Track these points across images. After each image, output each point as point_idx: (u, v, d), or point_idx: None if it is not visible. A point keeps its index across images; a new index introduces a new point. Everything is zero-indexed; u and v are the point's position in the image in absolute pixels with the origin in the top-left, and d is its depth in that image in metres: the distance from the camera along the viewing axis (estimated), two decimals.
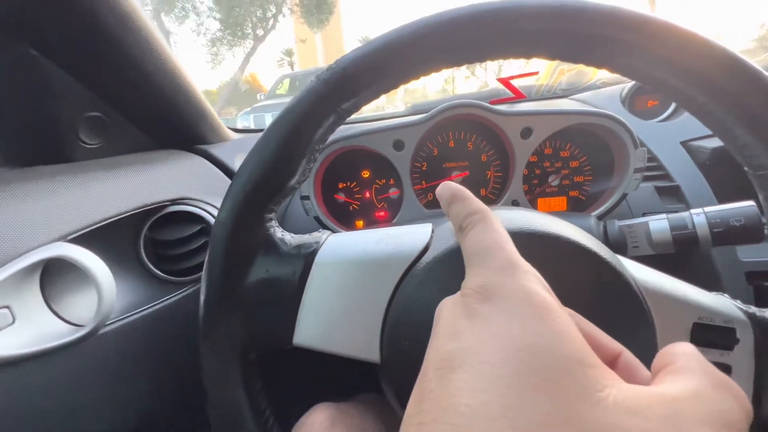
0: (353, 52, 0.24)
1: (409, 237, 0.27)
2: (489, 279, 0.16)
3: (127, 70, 0.39)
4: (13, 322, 0.29)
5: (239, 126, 0.71)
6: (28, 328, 0.30)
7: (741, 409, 0.12)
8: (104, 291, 0.33)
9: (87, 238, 0.35)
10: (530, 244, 0.23)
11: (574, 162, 0.55)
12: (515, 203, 0.53)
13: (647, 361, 0.24)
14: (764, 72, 0.21)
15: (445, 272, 0.24)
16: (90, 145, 0.42)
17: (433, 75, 0.26)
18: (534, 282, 0.16)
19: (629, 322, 0.23)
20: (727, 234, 0.35)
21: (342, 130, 0.53)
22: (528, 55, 0.23)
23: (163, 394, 0.41)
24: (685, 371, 0.14)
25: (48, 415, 0.32)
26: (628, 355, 0.18)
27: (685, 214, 0.38)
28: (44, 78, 0.36)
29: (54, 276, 0.33)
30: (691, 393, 0.12)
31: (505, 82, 0.89)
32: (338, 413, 0.49)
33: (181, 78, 0.46)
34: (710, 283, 0.28)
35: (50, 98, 0.37)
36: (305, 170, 0.27)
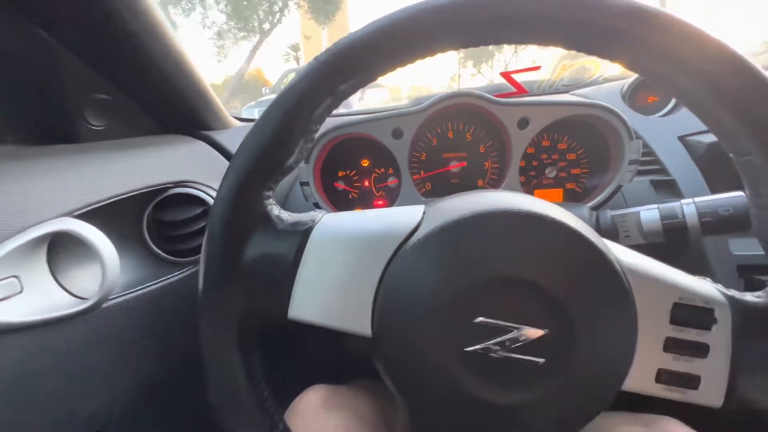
0: (351, 35, 0.25)
1: (401, 216, 0.28)
2: None
3: (133, 53, 0.40)
4: (21, 291, 0.30)
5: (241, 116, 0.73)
6: (35, 298, 0.31)
7: None
8: (108, 266, 0.34)
9: (93, 215, 0.36)
10: (518, 223, 0.24)
11: (571, 154, 0.55)
12: None
13: (626, 337, 0.24)
14: (747, 58, 0.22)
15: (434, 249, 0.25)
16: (96, 126, 0.44)
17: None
18: None
19: (611, 300, 0.24)
20: (716, 223, 0.36)
21: (344, 119, 0.54)
22: (512, 42, 0.24)
23: (161, 367, 0.43)
24: None
25: (52, 382, 0.33)
26: None
27: (675, 204, 0.39)
28: (52, 59, 0.37)
29: (60, 250, 0.35)
30: None
31: (506, 76, 0.89)
32: (332, 394, 0.51)
33: (186, 64, 0.47)
34: (702, 276, 0.28)
35: (58, 79, 0.39)
36: (302, 150, 0.27)
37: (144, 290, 0.40)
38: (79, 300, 0.34)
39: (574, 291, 0.24)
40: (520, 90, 0.87)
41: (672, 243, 0.40)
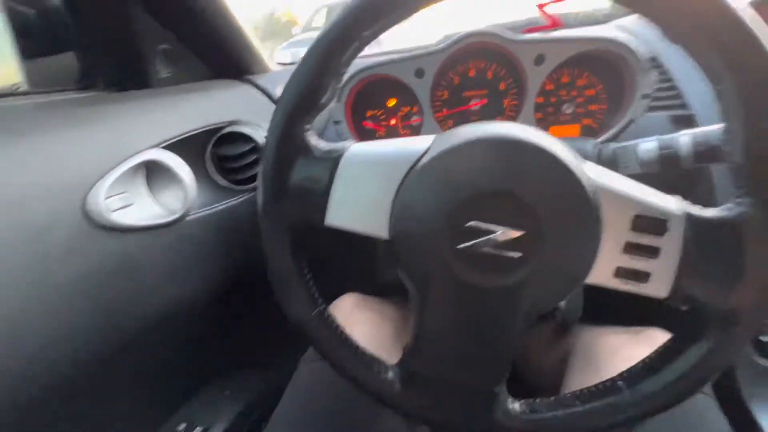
0: None
1: (413, 144, 0.34)
2: None
3: (190, 8, 0.47)
4: (132, 203, 0.41)
5: (277, 61, 0.79)
6: (139, 209, 0.42)
7: None
8: (188, 187, 0.44)
9: (171, 148, 0.45)
10: (503, 147, 0.30)
11: (590, 90, 0.57)
12: None
13: (589, 240, 0.30)
14: None
15: (436, 170, 0.31)
16: (164, 74, 0.52)
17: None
18: None
19: (576, 209, 0.29)
20: (707, 152, 0.39)
21: (371, 61, 0.58)
22: None
23: (226, 270, 0.55)
24: None
25: (151, 274, 0.44)
26: None
27: (675, 135, 0.41)
28: (129, 16, 0.45)
29: (152, 174, 0.45)
30: None
31: (541, 8, 0.86)
32: (363, 301, 0.61)
33: (231, 16, 0.53)
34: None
35: (134, 33, 0.46)
36: (334, 89, 0.34)
37: (212, 210, 0.51)
38: (169, 213, 0.45)
39: (547, 201, 0.29)
40: (554, 23, 0.84)
41: (668, 174, 0.43)
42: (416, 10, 0.30)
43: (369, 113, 0.64)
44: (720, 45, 0.25)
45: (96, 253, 0.37)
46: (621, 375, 0.33)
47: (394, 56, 0.56)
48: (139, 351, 0.45)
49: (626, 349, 0.49)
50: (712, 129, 0.39)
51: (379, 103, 0.63)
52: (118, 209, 0.39)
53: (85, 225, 0.36)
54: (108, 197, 0.37)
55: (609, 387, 0.33)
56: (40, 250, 0.33)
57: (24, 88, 0.48)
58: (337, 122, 0.59)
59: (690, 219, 0.30)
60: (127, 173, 0.40)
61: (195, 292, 0.51)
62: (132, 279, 0.42)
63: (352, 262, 0.73)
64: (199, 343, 0.56)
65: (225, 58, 0.59)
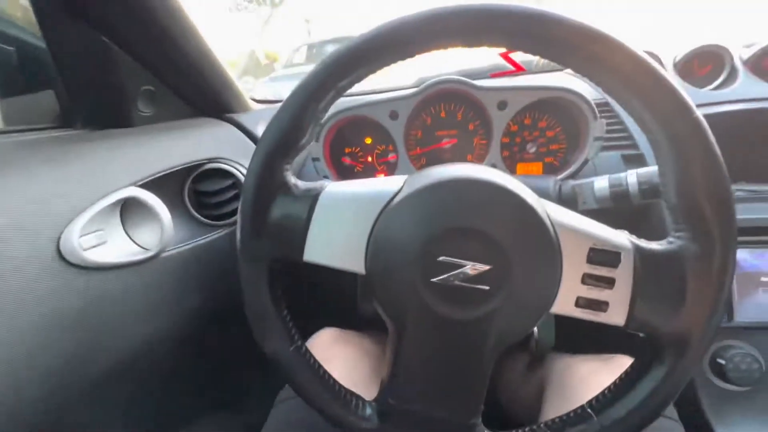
0: (347, 43, 0.32)
1: (386, 184, 0.36)
2: None
3: (173, 51, 0.49)
4: (106, 242, 0.41)
5: (258, 95, 0.81)
6: (114, 247, 0.42)
7: None
8: (165, 225, 0.44)
9: (149, 186, 0.46)
10: (470, 187, 0.32)
11: (551, 132, 0.62)
12: (493, 166, 0.61)
13: (551, 272, 0.32)
14: (647, 58, 0.28)
15: (409, 208, 0.33)
16: (145, 113, 0.53)
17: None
18: None
19: (539, 245, 0.32)
20: (651, 189, 0.43)
21: (348, 101, 0.62)
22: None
23: (204, 307, 0.54)
24: None
25: (124, 312, 0.43)
26: None
27: (622, 174, 0.46)
28: (112, 58, 0.47)
29: (128, 211, 0.45)
30: None
31: (505, 56, 0.94)
32: (341, 335, 0.61)
33: (213, 57, 0.56)
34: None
35: (117, 74, 0.48)
36: (312, 132, 0.36)
37: (188, 246, 0.51)
38: (144, 250, 0.44)
39: (511, 237, 0.31)
40: (518, 68, 0.91)
41: (622, 208, 0.47)
42: (389, 63, 0.33)
43: (347, 150, 0.67)
44: (648, 102, 0.29)
45: (69, 292, 0.36)
46: (590, 402, 0.35)
47: (370, 98, 0.59)
48: (112, 391, 0.44)
49: (597, 376, 0.50)
50: (653, 169, 0.44)
51: (356, 141, 0.66)
52: (92, 247, 0.38)
53: (58, 263, 0.36)
54: (82, 235, 0.37)
55: (579, 415, 0.34)
56: (13, 288, 0.32)
57: (0, 126, 0.48)
58: (315, 159, 0.61)
59: (638, 251, 0.33)
60: (103, 211, 0.40)
61: (170, 330, 0.50)
62: (105, 317, 0.41)
63: (330, 297, 0.73)
64: (173, 381, 0.54)
65: (206, 97, 0.61)
